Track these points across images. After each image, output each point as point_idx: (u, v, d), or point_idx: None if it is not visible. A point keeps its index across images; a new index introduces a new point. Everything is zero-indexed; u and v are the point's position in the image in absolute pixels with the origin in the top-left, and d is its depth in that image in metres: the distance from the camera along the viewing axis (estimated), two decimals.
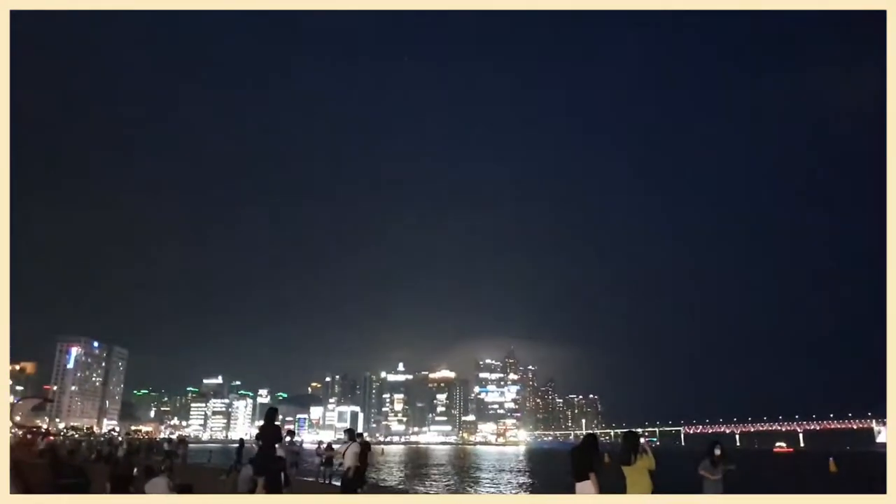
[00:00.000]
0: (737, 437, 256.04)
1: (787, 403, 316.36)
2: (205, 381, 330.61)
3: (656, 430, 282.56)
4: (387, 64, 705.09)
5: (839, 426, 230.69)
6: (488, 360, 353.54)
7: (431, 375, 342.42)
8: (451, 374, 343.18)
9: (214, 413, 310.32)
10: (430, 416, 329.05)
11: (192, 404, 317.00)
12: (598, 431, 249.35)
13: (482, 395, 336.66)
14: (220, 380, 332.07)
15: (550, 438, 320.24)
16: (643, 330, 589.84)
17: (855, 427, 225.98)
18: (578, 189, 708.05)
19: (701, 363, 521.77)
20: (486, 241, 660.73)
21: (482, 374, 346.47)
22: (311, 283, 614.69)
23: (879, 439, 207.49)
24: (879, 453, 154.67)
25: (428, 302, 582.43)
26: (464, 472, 55.77)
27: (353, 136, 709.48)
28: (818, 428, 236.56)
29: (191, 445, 53.78)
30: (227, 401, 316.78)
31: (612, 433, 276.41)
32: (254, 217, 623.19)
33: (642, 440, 10.26)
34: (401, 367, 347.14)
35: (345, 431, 17.43)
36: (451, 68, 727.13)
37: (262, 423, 13.62)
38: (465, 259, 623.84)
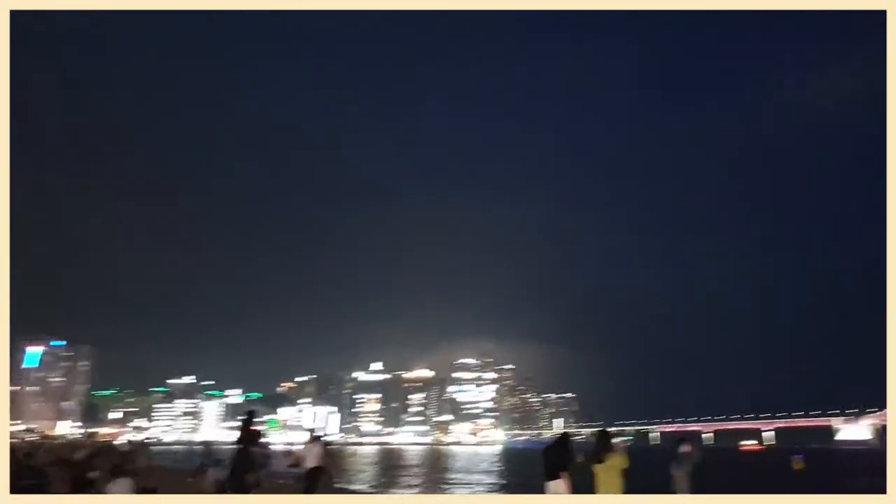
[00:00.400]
0: (707, 435, 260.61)
1: (756, 402, 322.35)
2: (173, 381, 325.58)
3: (630, 428, 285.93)
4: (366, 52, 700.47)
5: (804, 424, 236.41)
6: (465, 360, 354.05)
7: (407, 375, 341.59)
8: (428, 374, 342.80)
9: (183, 414, 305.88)
10: (405, 416, 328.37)
11: (159, 405, 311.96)
12: (572, 430, 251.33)
13: (458, 395, 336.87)
14: (188, 379, 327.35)
15: (525, 438, 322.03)
16: (620, 330, 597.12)
17: (817, 425, 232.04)
18: (556, 189, 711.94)
19: (675, 363, 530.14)
20: (466, 240, 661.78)
21: (459, 374, 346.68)
22: (285, 281, 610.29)
23: (838, 437, 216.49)
24: (839, 450, 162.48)
25: (406, 301, 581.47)
26: (436, 472, 55.75)
27: (330, 133, 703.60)
28: (785, 426, 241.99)
29: (155, 448, 52.99)
30: (195, 401, 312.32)
31: (586, 432, 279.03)
32: (224, 214, 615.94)
33: (618, 441, 10.38)
34: (376, 366, 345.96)
35: (307, 431, 17.51)
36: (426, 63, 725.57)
37: (240, 424, 13.53)
38: (444, 258, 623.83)
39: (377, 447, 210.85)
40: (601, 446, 10.14)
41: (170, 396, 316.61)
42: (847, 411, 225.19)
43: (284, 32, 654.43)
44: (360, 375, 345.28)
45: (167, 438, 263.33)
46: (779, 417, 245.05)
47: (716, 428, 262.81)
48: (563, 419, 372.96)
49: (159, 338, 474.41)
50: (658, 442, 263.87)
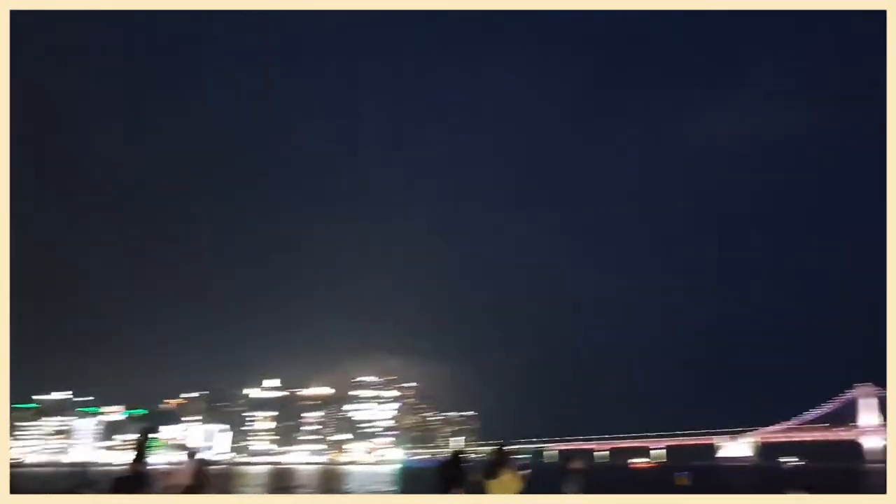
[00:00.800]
0: (601, 453, 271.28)
1: (649, 420, 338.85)
2: (42, 396, 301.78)
3: (530, 446, 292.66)
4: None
5: (691, 442, 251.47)
6: (366, 377, 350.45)
7: (304, 392, 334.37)
8: (326, 391, 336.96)
9: (53, 433, 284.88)
10: (300, 435, 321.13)
11: (25, 423, 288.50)
12: (471, 448, 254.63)
13: (357, 413, 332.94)
14: (60, 395, 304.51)
15: (426, 457, 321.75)
16: (524, 348, 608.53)
17: (702, 443, 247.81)
18: (464, 203, 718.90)
19: (576, 383, 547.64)
20: (369, 255, 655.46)
21: (359, 392, 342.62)
22: (176, 293, 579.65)
23: (720, 454, 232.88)
24: (721, 466, 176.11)
25: (307, 316, 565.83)
26: (326, 492, 54.70)
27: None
28: (674, 444, 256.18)
29: (17, 470, 48.85)
30: (68, 419, 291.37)
31: (487, 450, 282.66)
32: (116, 219, 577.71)
33: (520, 468, 10.57)
34: (271, 383, 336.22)
35: (184, 449, 17.17)
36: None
37: (135, 442, 13.05)
38: (347, 274, 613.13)
39: (268, 467, 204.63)
40: (496, 462, 10.32)
41: (39, 413, 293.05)
42: (731, 430, 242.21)
43: (276, 34, 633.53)
44: (254, 392, 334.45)
45: (32, 460, 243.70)
46: (667, 436, 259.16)
47: (611, 446, 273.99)
48: (463, 437, 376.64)
49: (25, 349, 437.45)
50: (555, 459, 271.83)
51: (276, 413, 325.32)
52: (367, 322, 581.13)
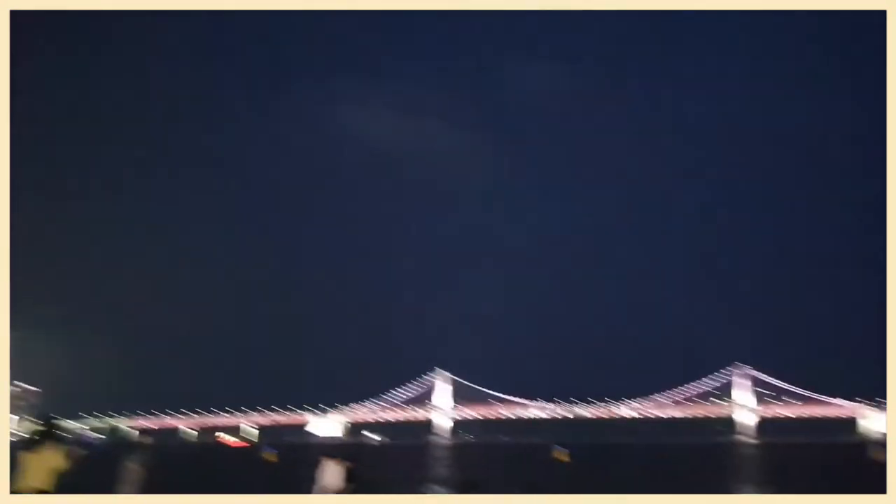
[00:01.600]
0: (188, 430, 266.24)
1: (244, 397, 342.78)
2: None
3: (104, 423, 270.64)
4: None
5: (286, 420, 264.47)
6: None
7: None
8: None
9: None
10: None
11: None
12: (28, 425, 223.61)
13: None
14: None
15: None
16: (98, 318, 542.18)
17: (294, 421, 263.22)
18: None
19: (169, 356, 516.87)
20: None
21: None
22: None
23: (308, 430, 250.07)
24: (312, 443, 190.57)
25: None
26: None
27: None
28: (267, 422, 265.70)
29: None
30: None
31: (35, 426, 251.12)
32: None
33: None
34: None
35: None
36: None
37: None
38: None
39: None
40: (38, 435, 10.18)
41: None
42: (324, 407, 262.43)
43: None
44: None
45: None
46: (260, 413, 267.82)
47: (202, 423, 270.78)
48: (18, 415, 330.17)
49: None
50: (137, 437, 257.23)
51: None
52: None
